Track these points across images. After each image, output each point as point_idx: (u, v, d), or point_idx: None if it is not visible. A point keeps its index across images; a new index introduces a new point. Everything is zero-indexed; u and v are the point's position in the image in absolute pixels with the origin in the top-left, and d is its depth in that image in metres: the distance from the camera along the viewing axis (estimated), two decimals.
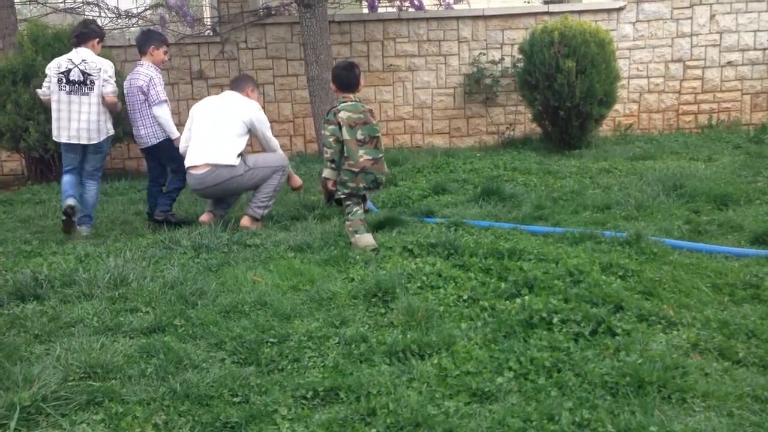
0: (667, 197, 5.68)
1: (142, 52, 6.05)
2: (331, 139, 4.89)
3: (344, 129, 4.86)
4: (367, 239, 4.73)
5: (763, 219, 4.98)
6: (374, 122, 5.02)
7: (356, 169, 4.85)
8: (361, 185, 4.90)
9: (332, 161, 4.90)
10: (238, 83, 5.95)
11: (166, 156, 6.05)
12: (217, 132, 5.52)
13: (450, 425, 2.56)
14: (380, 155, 4.98)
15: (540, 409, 2.62)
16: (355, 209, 4.89)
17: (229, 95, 5.77)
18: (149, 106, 5.88)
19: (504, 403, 2.71)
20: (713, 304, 3.59)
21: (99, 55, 5.93)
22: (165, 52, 6.14)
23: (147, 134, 5.95)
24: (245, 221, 5.54)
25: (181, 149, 5.76)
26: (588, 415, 2.57)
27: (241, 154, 5.54)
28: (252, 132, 5.67)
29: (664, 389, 2.73)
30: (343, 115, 4.90)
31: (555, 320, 3.34)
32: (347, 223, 4.90)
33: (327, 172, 4.96)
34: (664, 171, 6.69)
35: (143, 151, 6.18)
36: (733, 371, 2.91)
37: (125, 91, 6.04)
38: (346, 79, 5.11)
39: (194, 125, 5.64)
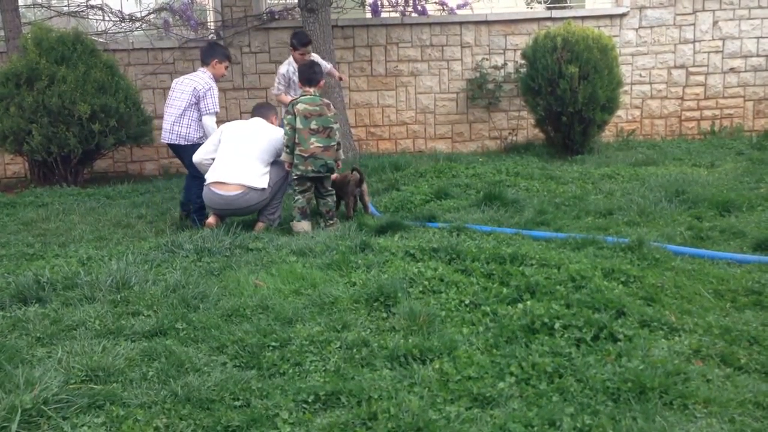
0: (669, 203, 5.68)
1: (205, 63, 6.27)
2: (287, 128, 5.58)
3: (298, 119, 5.51)
4: (299, 227, 5.51)
5: (766, 225, 4.97)
6: (329, 114, 5.62)
7: (305, 155, 5.50)
8: (310, 168, 5.53)
9: (287, 146, 5.59)
10: (262, 111, 6.17)
11: (188, 160, 6.10)
12: (251, 155, 5.67)
13: (451, 430, 2.56)
14: (332, 143, 5.60)
15: (541, 414, 2.61)
16: (296, 197, 5.61)
17: (259, 122, 5.95)
18: (198, 111, 6.08)
19: (505, 408, 2.71)
20: (715, 311, 3.58)
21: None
22: (226, 67, 6.41)
23: (179, 132, 6.11)
24: (259, 226, 5.70)
25: (197, 158, 5.86)
26: (589, 421, 2.56)
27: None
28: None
29: (666, 395, 2.73)
30: (300, 107, 5.53)
31: (557, 326, 3.33)
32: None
33: (283, 156, 5.67)
34: (666, 177, 6.69)
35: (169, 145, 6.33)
36: (735, 378, 2.90)
37: (174, 85, 6.23)
38: (306, 74, 5.75)
39: (223, 143, 5.77)
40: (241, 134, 5.79)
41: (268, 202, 5.75)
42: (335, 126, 5.65)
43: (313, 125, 5.51)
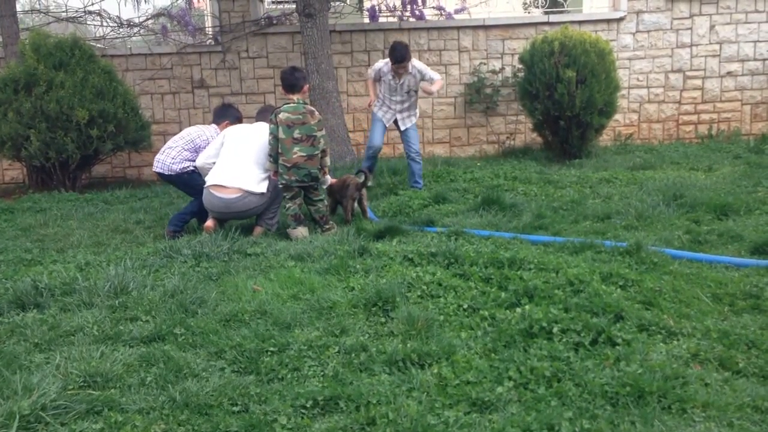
0: (667, 207, 5.68)
1: (217, 123, 6.38)
2: (270, 137, 5.56)
3: (281, 128, 5.48)
4: (296, 233, 5.49)
5: (763, 229, 4.98)
6: (313, 122, 5.55)
7: (288, 164, 5.48)
8: (293, 178, 5.50)
9: (271, 156, 5.57)
10: (265, 115, 6.12)
11: (183, 185, 6.23)
12: (251, 160, 5.69)
13: None
14: (316, 152, 5.55)
15: (540, 419, 2.61)
16: (287, 205, 5.59)
17: (261, 126, 5.92)
18: (192, 153, 6.12)
19: (504, 412, 2.71)
20: (713, 315, 3.59)
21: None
22: (238, 121, 6.45)
23: (163, 161, 6.13)
24: (258, 231, 5.72)
25: (199, 162, 5.93)
26: (588, 426, 2.56)
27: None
28: None
29: (665, 399, 2.73)
30: (282, 116, 5.51)
31: (555, 330, 3.33)
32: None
33: (268, 165, 5.65)
34: (664, 181, 6.71)
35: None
36: (733, 381, 2.90)
37: (189, 127, 6.49)
38: (288, 80, 5.70)
39: (225, 148, 5.80)
40: (241, 138, 5.81)
41: (267, 206, 5.76)
42: (319, 134, 5.58)
43: (296, 134, 5.47)
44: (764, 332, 3.30)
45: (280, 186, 5.61)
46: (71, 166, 8.30)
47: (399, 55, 6.89)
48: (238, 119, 6.49)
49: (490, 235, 5.11)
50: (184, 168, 6.10)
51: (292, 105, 5.58)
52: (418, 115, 7.37)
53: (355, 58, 9.73)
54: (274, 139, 5.52)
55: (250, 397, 2.87)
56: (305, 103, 5.69)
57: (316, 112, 5.71)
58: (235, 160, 5.68)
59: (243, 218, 5.87)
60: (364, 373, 3.09)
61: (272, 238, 5.43)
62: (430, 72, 7.07)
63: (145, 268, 4.61)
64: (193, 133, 6.27)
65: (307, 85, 5.94)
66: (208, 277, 4.43)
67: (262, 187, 5.65)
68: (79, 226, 6.47)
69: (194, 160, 6.10)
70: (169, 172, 6.14)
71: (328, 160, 5.80)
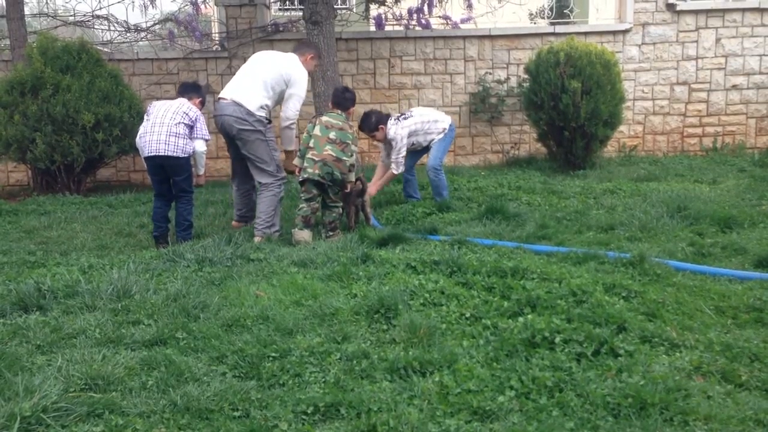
0: (671, 219, 5.68)
1: (189, 98, 6.01)
2: (305, 134, 5.74)
3: (318, 127, 5.67)
4: (300, 236, 5.54)
5: (767, 242, 4.97)
6: (350, 131, 5.73)
7: (316, 158, 5.57)
8: (317, 172, 5.55)
9: (300, 151, 5.74)
10: (300, 47, 6.29)
11: (186, 168, 5.83)
12: (258, 77, 5.83)
13: None
14: (344, 158, 5.64)
15: (541, 428, 2.61)
16: (301, 205, 5.66)
17: (286, 54, 6.09)
18: (188, 129, 5.76)
19: (505, 422, 2.70)
20: (716, 327, 3.58)
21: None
22: (202, 105, 6.24)
23: (175, 143, 5.65)
24: (257, 239, 5.73)
25: None
26: None
27: (267, 115, 5.85)
28: (287, 86, 5.89)
29: (667, 411, 2.72)
30: (323, 118, 5.75)
31: (557, 340, 3.33)
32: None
33: (296, 160, 5.78)
34: (668, 193, 6.70)
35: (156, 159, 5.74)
36: (735, 394, 2.89)
37: (157, 105, 5.88)
38: (337, 98, 5.92)
39: (240, 69, 6.03)
40: (262, 61, 5.99)
41: (263, 211, 5.71)
42: (353, 147, 5.69)
43: (332, 135, 5.62)
44: (767, 345, 3.29)
45: (299, 181, 5.69)
46: (76, 170, 8.32)
47: (359, 123, 6.71)
48: (204, 98, 6.31)
49: (493, 245, 5.10)
50: (191, 150, 5.78)
51: (335, 113, 5.79)
52: (440, 130, 6.90)
53: (361, 66, 9.76)
54: (308, 135, 5.67)
55: (251, 403, 2.87)
56: (347, 120, 5.83)
57: (355, 128, 5.90)
58: (241, 76, 5.91)
59: (232, 136, 5.75)
60: (366, 380, 3.08)
61: (275, 244, 5.44)
62: (395, 153, 6.58)
63: (148, 271, 4.62)
64: (183, 107, 5.80)
65: (353, 109, 6.00)
66: (210, 282, 4.43)
67: (254, 106, 5.71)
68: (82, 229, 6.49)
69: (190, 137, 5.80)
70: (183, 154, 5.69)
71: (352, 176, 5.74)
